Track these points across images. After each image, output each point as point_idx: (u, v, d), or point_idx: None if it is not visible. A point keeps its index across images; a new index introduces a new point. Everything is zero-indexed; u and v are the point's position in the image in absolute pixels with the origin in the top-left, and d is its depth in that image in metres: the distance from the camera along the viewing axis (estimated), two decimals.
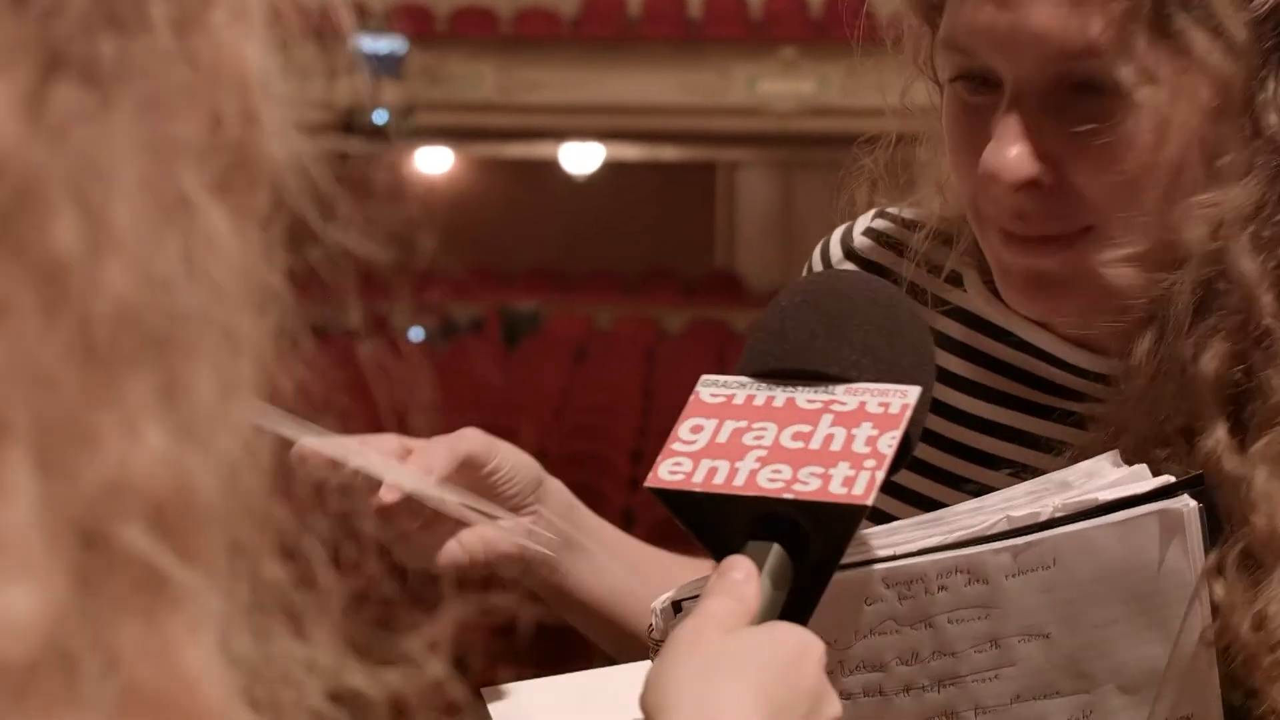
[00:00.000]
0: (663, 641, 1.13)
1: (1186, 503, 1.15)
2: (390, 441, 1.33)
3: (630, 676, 1.00)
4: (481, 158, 22.39)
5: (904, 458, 1.12)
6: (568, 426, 13.34)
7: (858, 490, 1.03)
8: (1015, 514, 1.16)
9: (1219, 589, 1.18)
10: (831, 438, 1.07)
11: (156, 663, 0.51)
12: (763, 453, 1.07)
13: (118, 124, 0.53)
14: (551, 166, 21.89)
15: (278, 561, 0.57)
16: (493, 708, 1.33)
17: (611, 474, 11.24)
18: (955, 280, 1.44)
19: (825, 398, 1.10)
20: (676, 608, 1.16)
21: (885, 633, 1.18)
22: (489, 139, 21.00)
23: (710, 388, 1.13)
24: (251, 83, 0.57)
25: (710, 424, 1.10)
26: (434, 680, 0.61)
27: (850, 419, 1.08)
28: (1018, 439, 1.39)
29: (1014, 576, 1.16)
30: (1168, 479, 1.16)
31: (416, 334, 20.45)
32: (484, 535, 1.38)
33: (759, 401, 1.11)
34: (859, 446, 1.06)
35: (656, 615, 1.17)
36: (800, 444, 1.07)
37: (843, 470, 1.04)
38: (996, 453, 1.39)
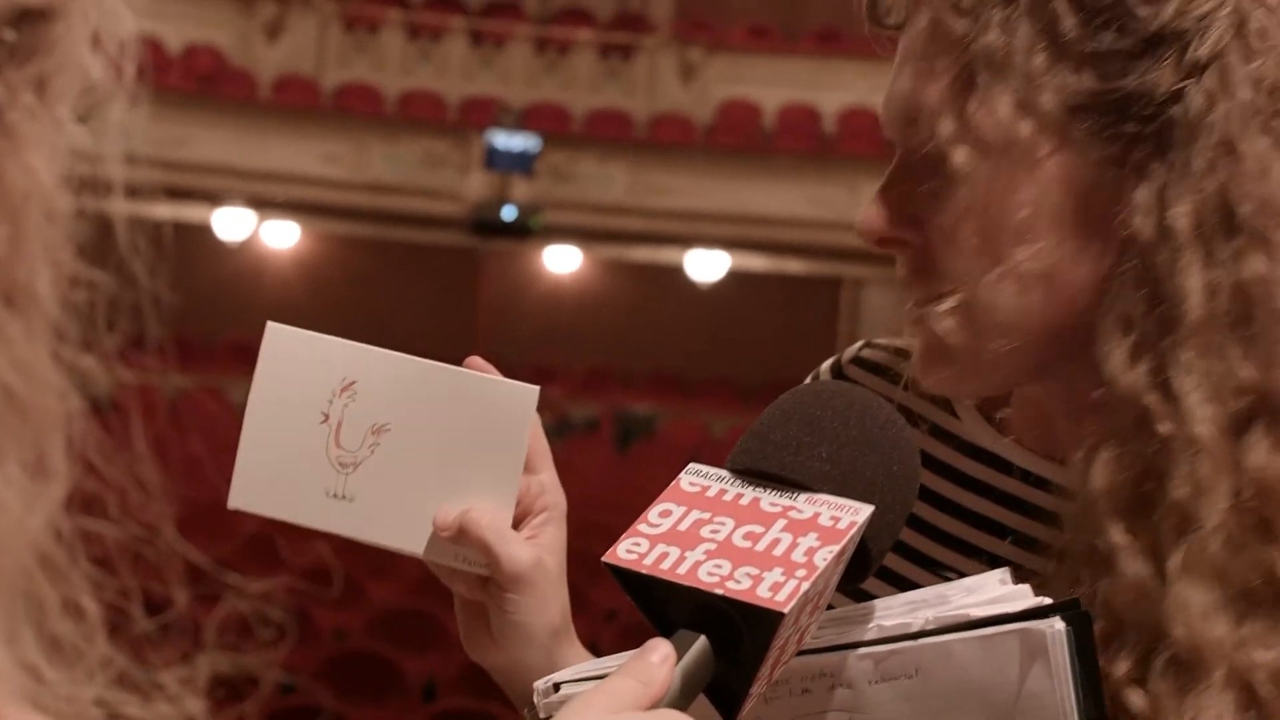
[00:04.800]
0: (539, 717, 1.19)
1: (1053, 625, 1.14)
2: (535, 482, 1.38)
3: None
4: (608, 259, 22.56)
5: (864, 570, 1.17)
6: None
7: (780, 597, 1.06)
8: (886, 623, 1.18)
9: (1137, 699, 1.18)
10: (777, 542, 1.11)
11: None
12: (712, 546, 1.11)
13: None
14: (676, 272, 22.01)
15: (59, 599, 0.63)
16: None
17: None
18: (948, 407, 1.45)
19: (786, 503, 1.15)
20: (556, 688, 1.19)
21: None
22: (616, 241, 21.17)
23: (691, 476, 1.18)
24: (27, 215, 0.64)
25: (679, 510, 1.14)
26: (189, 715, 0.67)
27: (800, 527, 1.12)
28: (994, 564, 1.37)
29: (877, 683, 1.18)
30: (1042, 601, 1.15)
31: None
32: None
33: (728, 497, 1.16)
34: (798, 555, 1.10)
35: (537, 693, 1.20)
36: (748, 544, 1.11)
37: (774, 575, 1.08)
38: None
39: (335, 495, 1.29)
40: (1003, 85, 1.23)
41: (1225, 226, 1.20)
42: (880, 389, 1.46)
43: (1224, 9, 1.21)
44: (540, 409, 1.39)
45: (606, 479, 14.40)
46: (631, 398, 21.59)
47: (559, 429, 18.80)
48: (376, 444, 1.31)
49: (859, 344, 1.53)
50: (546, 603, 1.38)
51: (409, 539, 1.33)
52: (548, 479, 1.40)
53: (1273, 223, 1.20)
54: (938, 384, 1.35)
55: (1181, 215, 1.20)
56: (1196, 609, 1.18)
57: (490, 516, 1.34)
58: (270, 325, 1.28)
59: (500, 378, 1.36)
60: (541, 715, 1.19)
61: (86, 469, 0.66)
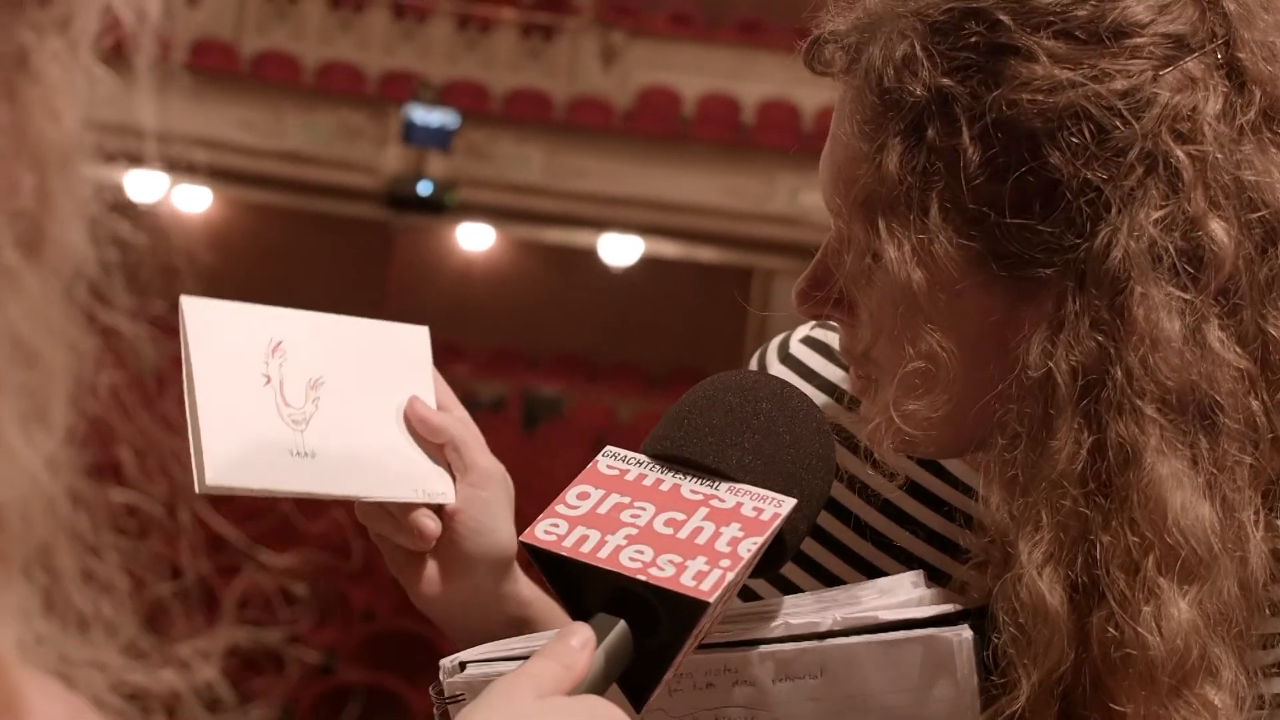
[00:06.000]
0: (443, 695, 1.19)
1: (959, 633, 1.15)
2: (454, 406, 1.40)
3: None
4: (522, 239, 22.48)
5: (778, 561, 1.17)
6: None
7: (705, 586, 1.06)
8: (794, 621, 1.18)
9: None
10: (700, 530, 1.11)
11: None
12: (633, 531, 1.11)
13: None
14: (589, 255, 21.96)
15: (73, 563, 0.62)
16: None
17: None
18: None
19: (708, 491, 1.15)
20: (462, 667, 1.19)
21: None
22: (530, 221, 21.09)
23: (609, 459, 1.18)
24: (54, 163, 0.62)
25: (598, 494, 1.14)
26: (204, 682, 0.67)
27: (723, 517, 1.12)
28: (910, 562, 1.39)
29: (781, 681, 1.18)
30: (950, 607, 1.16)
31: None
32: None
33: (648, 482, 1.16)
34: (721, 545, 1.10)
35: (444, 670, 1.20)
36: (670, 530, 1.11)
37: (698, 564, 1.08)
38: (891, 571, 1.38)
39: (299, 454, 1.28)
40: (899, 227, 1.18)
41: (1101, 386, 1.15)
42: (823, 369, 1.46)
43: (1143, 148, 1.15)
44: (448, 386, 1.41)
45: (512, 459, 14.31)
46: (539, 379, 21.55)
47: (465, 407, 18.49)
48: (317, 398, 1.31)
49: (810, 323, 1.50)
50: (509, 505, 1.40)
51: (372, 485, 1.33)
52: (462, 414, 1.41)
53: (1149, 391, 1.14)
54: (879, 447, 1.32)
55: (1065, 369, 1.15)
56: None
57: (434, 414, 1.38)
58: (185, 299, 1.25)
59: (393, 323, 1.39)
60: (447, 694, 1.19)
61: (104, 431, 0.64)
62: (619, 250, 21.72)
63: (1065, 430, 1.15)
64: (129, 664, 0.64)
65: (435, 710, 1.21)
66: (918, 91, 1.17)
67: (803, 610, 1.19)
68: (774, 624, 1.18)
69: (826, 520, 1.41)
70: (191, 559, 0.71)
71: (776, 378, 1.27)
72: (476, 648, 1.21)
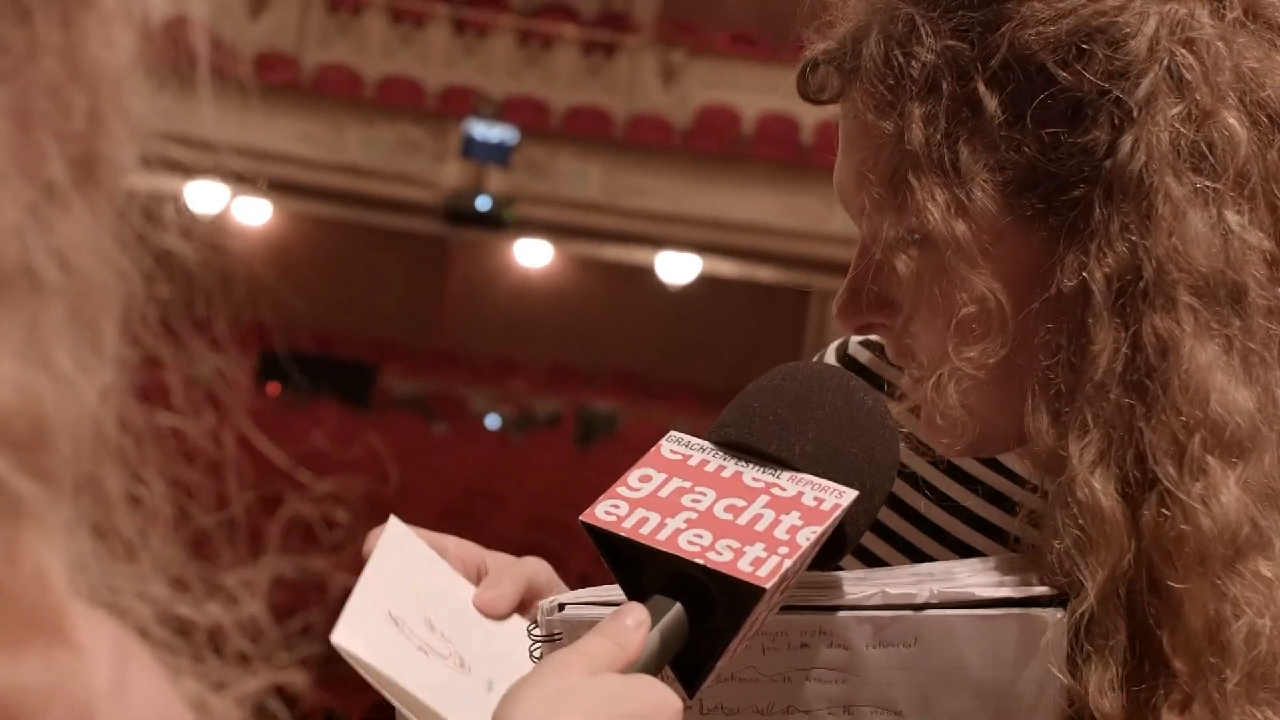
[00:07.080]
0: (538, 632, 1.20)
1: (1055, 614, 1.16)
2: (473, 553, 1.33)
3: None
4: (580, 256, 22.54)
5: (839, 552, 1.19)
6: None
7: (762, 572, 1.07)
8: (891, 590, 1.18)
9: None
10: (760, 517, 1.12)
11: (6, 562, 0.55)
12: (693, 516, 1.12)
13: None
14: (647, 273, 21.99)
15: (120, 490, 0.62)
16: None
17: None
18: None
19: (769, 479, 1.16)
20: (561, 607, 1.19)
21: (745, 679, 1.20)
22: (588, 238, 21.14)
23: (672, 444, 1.19)
24: (108, 87, 0.62)
25: (659, 477, 1.15)
26: (249, 616, 0.67)
27: (783, 505, 1.13)
28: (967, 551, 1.40)
29: (875, 648, 1.19)
30: (1047, 590, 1.18)
31: (493, 421, 20.58)
32: None
33: (710, 468, 1.17)
34: (780, 533, 1.11)
35: (541, 611, 1.20)
36: (730, 516, 1.12)
37: (756, 550, 1.09)
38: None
39: (489, 689, 1.25)
40: (934, 184, 1.22)
41: (1135, 285, 1.19)
42: (879, 370, 1.47)
43: (1151, 54, 1.20)
44: (503, 401, 1.39)
45: (565, 474, 14.39)
46: (594, 395, 21.56)
47: (520, 422, 18.73)
48: (444, 635, 1.28)
49: None
50: (553, 576, 1.37)
51: (521, 665, 1.30)
52: (473, 547, 1.35)
53: (1181, 280, 1.18)
54: (942, 450, 1.35)
55: (1099, 276, 1.19)
56: (1092, 685, 1.17)
57: (498, 585, 1.33)
58: (336, 640, 1.17)
59: (379, 543, 1.31)
60: (542, 632, 1.20)
61: (152, 357, 0.64)
62: (677, 268, 21.74)
63: (1104, 334, 1.19)
64: (175, 595, 0.64)
65: (530, 649, 1.21)
66: (926, 58, 1.23)
67: (899, 581, 1.20)
68: (871, 591, 1.19)
69: (883, 513, 1.41)
70: (237, 487, 0.71)
71: (843, 369, 1.29)
72: (575, 591, 1.22)
